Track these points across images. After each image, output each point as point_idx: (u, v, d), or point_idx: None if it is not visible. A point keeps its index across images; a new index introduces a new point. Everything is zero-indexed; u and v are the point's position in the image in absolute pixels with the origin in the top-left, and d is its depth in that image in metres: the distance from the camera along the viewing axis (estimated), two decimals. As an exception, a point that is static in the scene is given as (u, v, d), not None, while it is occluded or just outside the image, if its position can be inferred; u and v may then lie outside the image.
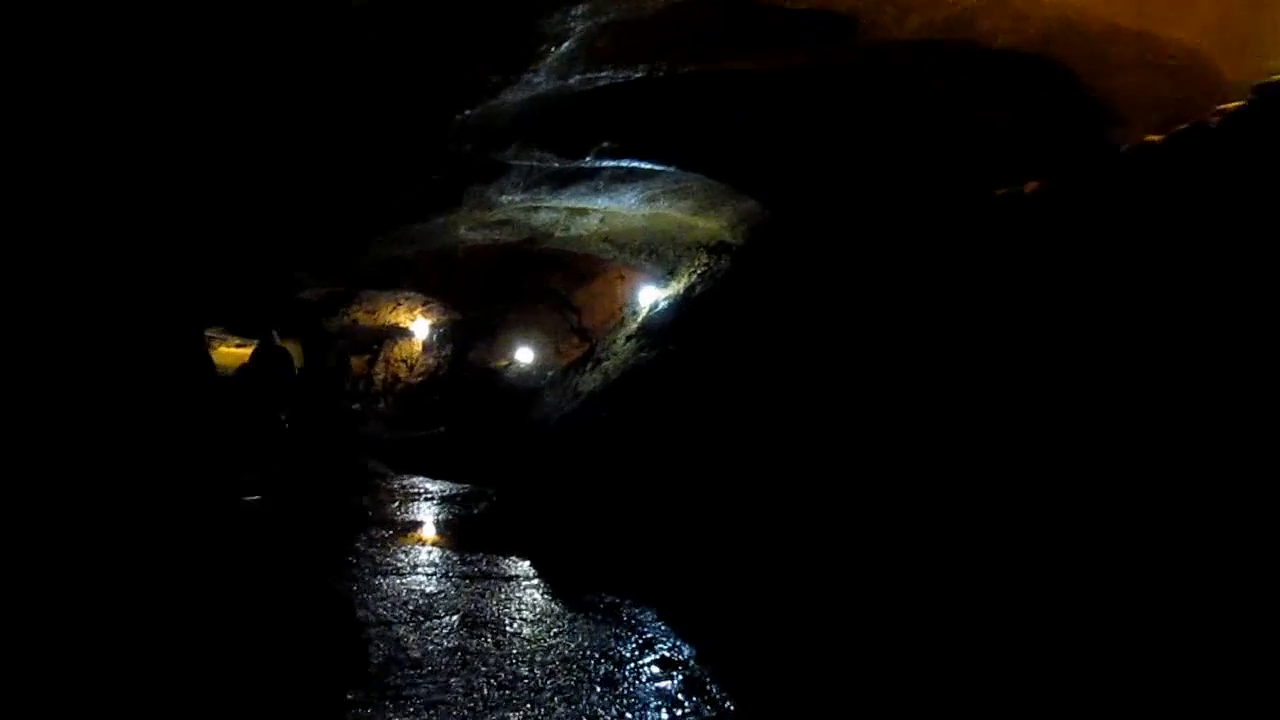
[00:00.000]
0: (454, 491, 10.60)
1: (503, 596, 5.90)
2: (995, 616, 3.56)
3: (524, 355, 15.95)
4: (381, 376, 19.26)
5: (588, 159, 6.85)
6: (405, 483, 11.58)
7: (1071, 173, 4.67)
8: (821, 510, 5.37)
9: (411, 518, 9.05)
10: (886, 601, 4.25)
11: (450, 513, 9.30)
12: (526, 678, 4.29)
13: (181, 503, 5.25)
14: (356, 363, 19.91)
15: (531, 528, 8.10)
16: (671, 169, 7.51)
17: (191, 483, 5.52)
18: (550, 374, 13.61)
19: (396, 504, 9.78)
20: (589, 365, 10.83)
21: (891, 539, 4.57)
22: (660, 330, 9.61)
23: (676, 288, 10.34)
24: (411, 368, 18.97)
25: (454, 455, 12.57)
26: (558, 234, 10.91)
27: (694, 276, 10.04)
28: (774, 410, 6.72)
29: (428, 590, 6.02)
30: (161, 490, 5.13)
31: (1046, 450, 3.73)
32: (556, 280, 17.13)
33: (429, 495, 10.46)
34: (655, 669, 4.45)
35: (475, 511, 9.26)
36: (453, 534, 8.29)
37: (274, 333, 13.40)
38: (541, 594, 5.99)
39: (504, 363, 16.13)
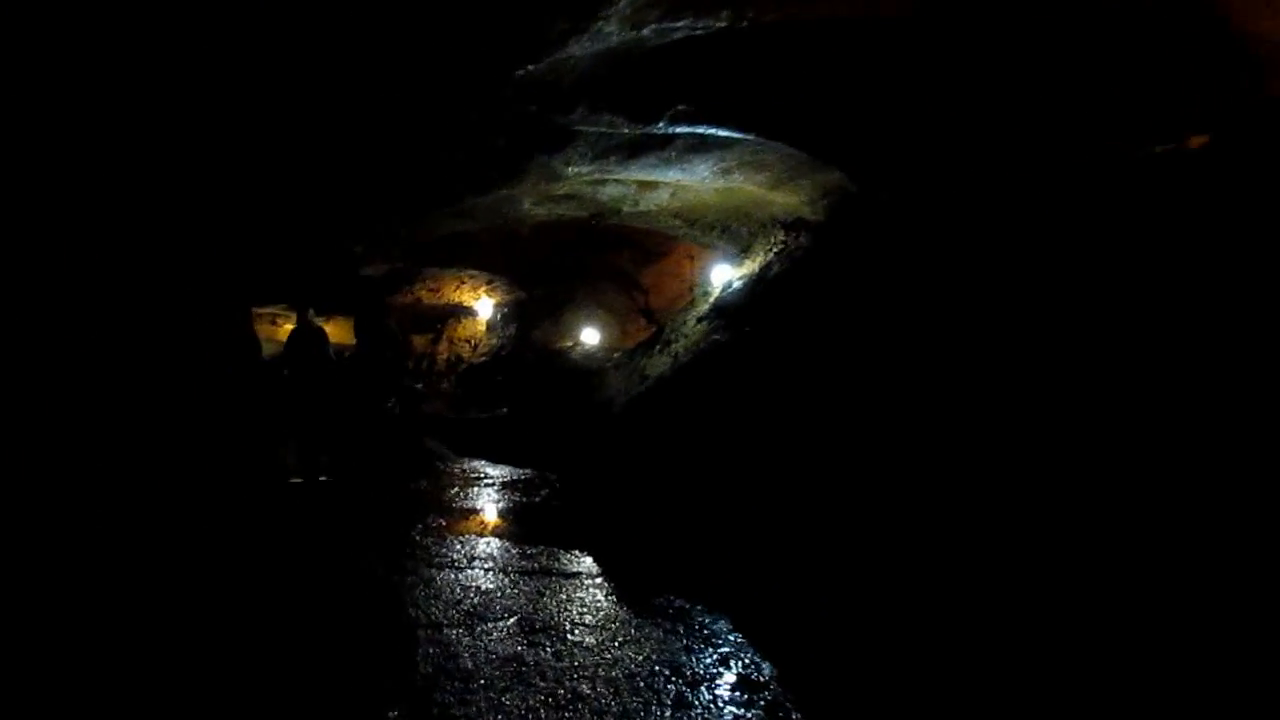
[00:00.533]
0: (515, 477, 10.26)
1: (564, 597, 5.47)
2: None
3: (589, 336, 15.57)
4: (444, 356, 19.10)
5: (661, 124, 6.35)
6: (465, 466, 11.30)
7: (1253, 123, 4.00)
8: (918, 516, 4.83)
9: (470, 505, 8.72)
10: (1011, 623, 3.71)
11: (511, 500, 8.94)
12: (589, 697, 3.85)
13: (215, 485, 4.97)
14: (419, 341, 19.79)
15: (595, 519, 7.70)
16: (750, 137, 6.98)
17: (227, 465, 5.24)
18: (616, 355, 13.18)
19: (455, 489, 9.47)
20: (657, 347, 10.36)
21: (1007, 550, 4.02)
22: (734, 311, 9.08)
23: (751, 267, 9.80)
24: (475, 347, 18.76)
25: (516, 438, 12.26)
26: (626, 209, 10.44)
27: (770, 255, 9.48)
28: (862, 403, 6.17)
29: (484, 587, 5.64)
30: (194, 473, 4.84)
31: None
32: (623, 259, 16.71)
33: (489, 480, 10.13)
34: (733, 691, 3.97)
35: (537, 499, 8.88)
36: (513, 523, 7.93)
37: (310, 310, 13.20)
38: (605, 595, 5.55)
39: (569, 343, 15.76)
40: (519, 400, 14.13)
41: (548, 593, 5.56)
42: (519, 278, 16.93)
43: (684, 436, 7.82)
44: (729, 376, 7.90)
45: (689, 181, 9.12)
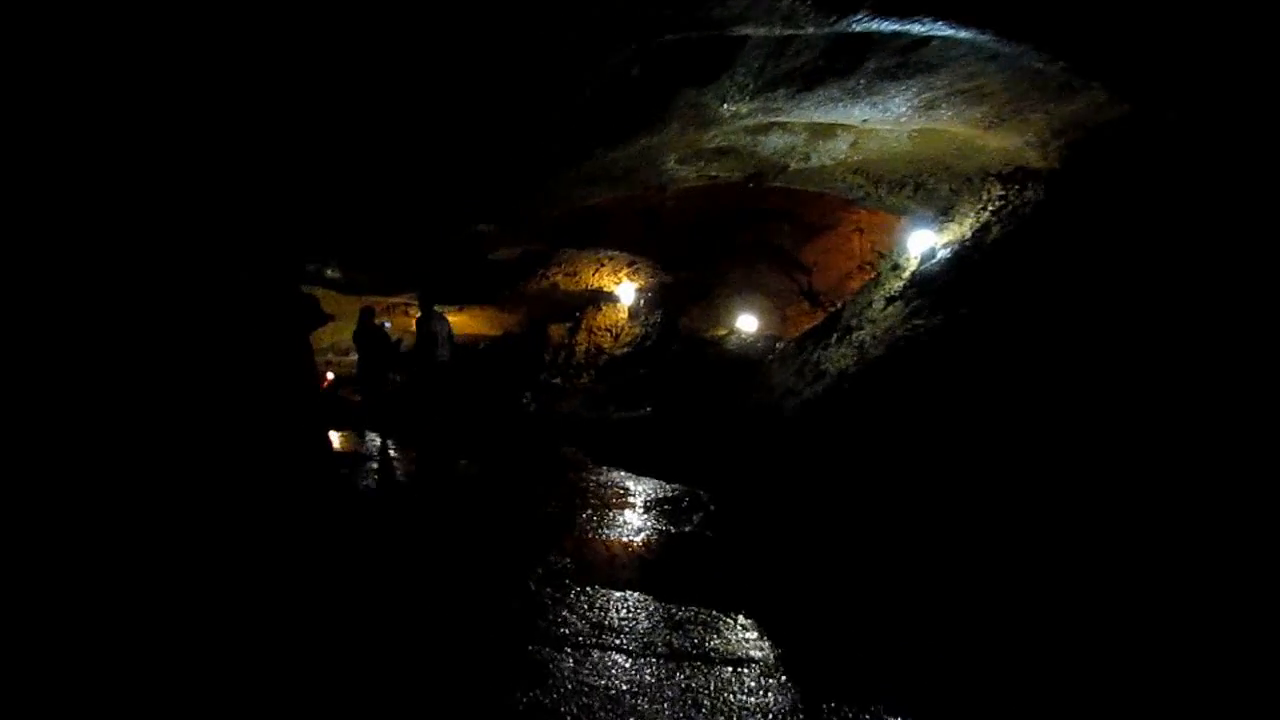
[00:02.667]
0: (660, 494, 8.66)
1: (725, 708, 3.78)
2: None
3: (745, 323, 13.78)
4: (583, 347, 17.70)
5: (858, 17, 4.50)
6: (602, 479, 9.78)
7: None
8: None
9: (605, 534, 7.16)
10: None
11: (654, 528, 7.32)
12: None
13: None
14: (556, 331, 18.50)
15: (761, 560, 6.05)
16: (984, 38, 5.03)
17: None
18: (779, 345, 11.35)
19: (588, 513, 7.93)
20: (834, 335, 8.48)
21: None
22: (941, 289, 7.10)
23: (959, 231, 7.77)
24: (616, 337, 17.27)
25: (661, 444, 10.69)
26: (793, 165, 8.58)
27: (985, 214, 7.44)
28: (1151, 412, 4.20)
29: (612, 689, 4.03)
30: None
31: None
32: (781, 234, 14.87)
33: (629, 499, 8.57)
34: None
35: (686, 528, 7.23)
36: (656, 564, 6.32)
37: (373, 311, 13.71)
38: (787, 707, 3.82)
39: (722, 331, 14.03)
40: (665, 398, 12.53)
41: (702, 700, 3.88)
42: (663, 259, 15.34)
43: (880, 454, 5.97)
44: (941, 375, 5.99)
45: (878, 123, 7.20)
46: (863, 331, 7.81)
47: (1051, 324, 5.53)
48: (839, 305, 14.08)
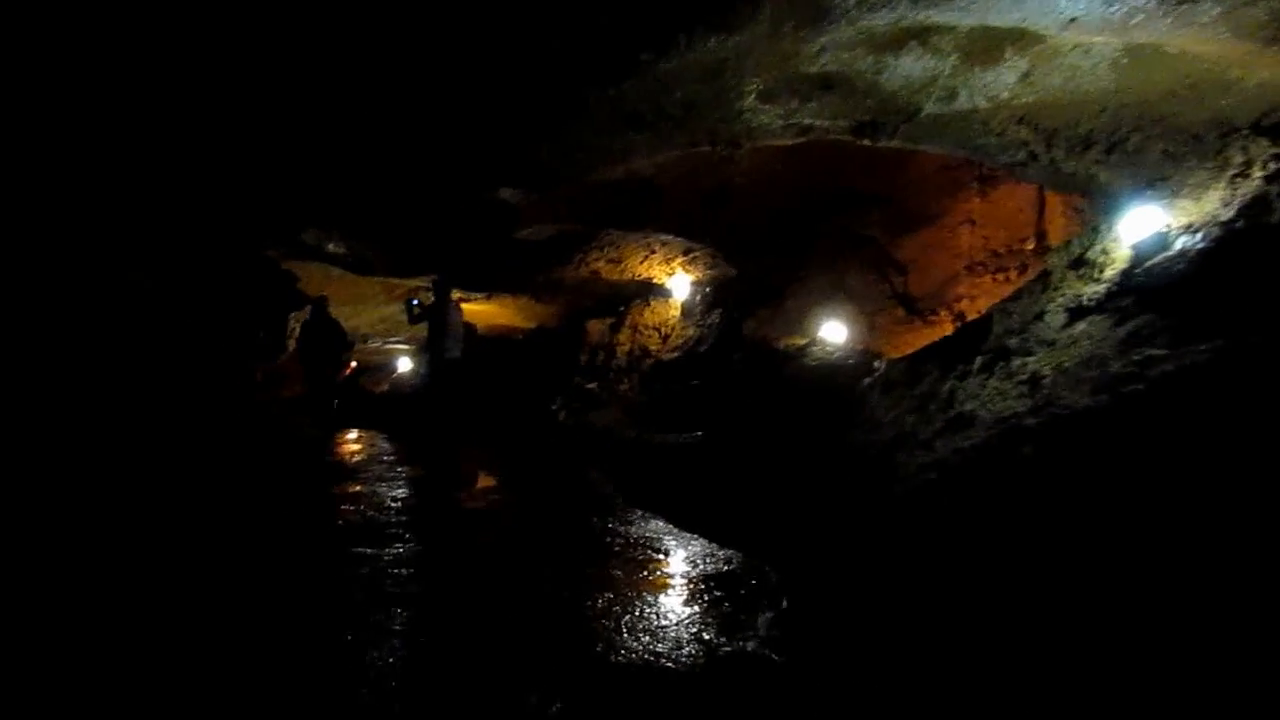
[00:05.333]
0: (711, 568, 6.22)
1: None
2: None
3: (831, 332, 11.10)
4: (625, 348, 15.15)
5: None
6: (633, 532, 7.36)
7: None
8: None
9: (625, 649, 4.67)
10: None
11: (701, 640, 4.80)
12: None
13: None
14: (595, 327, 15.99)
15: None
16: None
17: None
18: (878, 365, 8.68)
19: (608, 598, 5.49)
20: (976, 361, 5.82)
21: None
22: (1189, 300, 4.42)
23: (1200, 209, 5.06)
24: (665, 338, 14.69)
25: (715, 484, 8.19)
26: (928, 108, 5.92)
27: (1253, 182, 4.76)
28: None
29: None
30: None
31: None
32: (872, 224, 12.18)
33: (667, 575, 6.13)
34: None
35: (749, 646, 4.73)
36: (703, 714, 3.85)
37: (326, 299, 12.60)
38: None
39: (800, 340, 11.35)
40: (722, 420, 9.98)
41: None
42: (726, 247, 12.74)
43: (1105, 573, 3.38)
44: (1246, 460, 3.36)
45: (1092, 28, 4.53)
46: (1032, 359, 5.16)
47: None
48: (959, 315, 11.39)
